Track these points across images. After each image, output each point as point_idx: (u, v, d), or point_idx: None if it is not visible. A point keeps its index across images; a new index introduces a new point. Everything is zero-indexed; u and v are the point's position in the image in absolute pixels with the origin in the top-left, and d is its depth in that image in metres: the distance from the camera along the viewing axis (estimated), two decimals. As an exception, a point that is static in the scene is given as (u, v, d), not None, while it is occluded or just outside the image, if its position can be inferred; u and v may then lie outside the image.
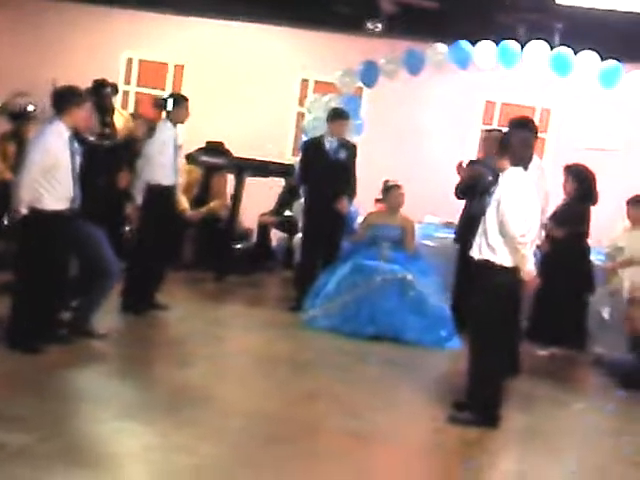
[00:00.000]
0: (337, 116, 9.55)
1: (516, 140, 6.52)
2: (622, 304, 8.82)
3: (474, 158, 10.31)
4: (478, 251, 6.45)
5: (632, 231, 9.14)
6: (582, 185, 8.73)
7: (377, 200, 10.28)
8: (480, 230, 6.48)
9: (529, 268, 6.39)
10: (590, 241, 8.96)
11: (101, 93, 8.96)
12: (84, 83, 7.96)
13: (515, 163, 6.40)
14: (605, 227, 9.26)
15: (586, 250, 8.96)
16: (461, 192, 9.18)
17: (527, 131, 7.08)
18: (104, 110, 8.66)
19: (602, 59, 9.76)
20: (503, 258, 6.34)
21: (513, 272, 6.36)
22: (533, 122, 8.18)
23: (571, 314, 8.77)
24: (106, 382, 6.65)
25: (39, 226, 6.80)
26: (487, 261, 6.37)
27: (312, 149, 9.66)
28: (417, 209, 10.06)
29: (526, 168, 6.45)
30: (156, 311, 8.62)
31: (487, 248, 6.37)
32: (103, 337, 7.47)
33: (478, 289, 6.49)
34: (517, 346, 7.86)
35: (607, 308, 9.02)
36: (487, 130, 10.37)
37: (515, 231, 6.23)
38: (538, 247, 8.08)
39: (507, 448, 6.45)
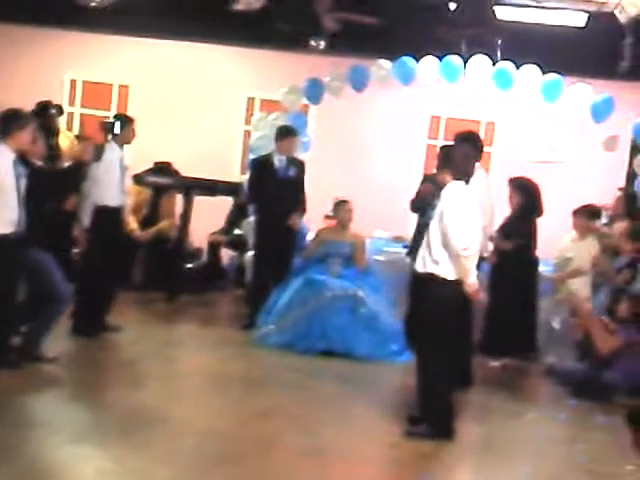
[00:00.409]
0: (285, 134, 9.58)
1: (458, 154, 6.59)
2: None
3: (429, 173, 10.32)
4: (422, 264, 6.50)
5: (579, 241, 9.26)
6: (527, 198, 8.84)
7: (327, 216, 10.31)
8: (424, 243, 6.53)
9: (472, 281, 6.44)
10: (538, 253, 9.06)
11: (46, 114, 8.87)
12: (28, 105, 7.90)
13: (457, 177, 6.47)
14: (552, 239, 9.36)
15: (534, 262, 9.06)
16: (414, 207, 9.22)
17: (469, 145, 7.14)
18: (49, 132, 8.57)
19: (544, 73, 9.89)
20: (446, 271, 6.38)
21: (456, 285, 6.41)
22: (478, 136, 8.28)
23: (521, 325, 8.86)
24: (58, 407, 6.57)
25: (-15, 250, 6.72)
26: (430, 274, 6.42)
27: (261, 167, 9.67)
28: (366, 224, 10.11)
29: (468, 182, 6.52)
30: (107, 333, 8.55)
31: (430, 261, 6.42)
32: (53, 361, 7.39)
33: (422, 302, 6.54)
34: (469, 358, 7.92)
35: (557, 318, 9.13)
36: (442, 146, 10.36)
37: (458, 244, 6.29)
38: (484, 259, 8.19)
39: (463, 460, 6.47)
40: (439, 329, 6.38)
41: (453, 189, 6.45)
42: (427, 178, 9.39)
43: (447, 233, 6.32)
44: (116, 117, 8.97)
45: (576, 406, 7.81)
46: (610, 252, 9.16)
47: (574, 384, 8.10)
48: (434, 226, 6.44)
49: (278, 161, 9.56)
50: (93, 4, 9.98)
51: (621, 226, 9.23)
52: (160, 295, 10.44)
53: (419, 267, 6.53)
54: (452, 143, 7.66)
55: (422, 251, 6.53)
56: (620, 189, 9.55)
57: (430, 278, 6.43)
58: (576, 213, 9.28)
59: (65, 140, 9.79)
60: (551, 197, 9.23)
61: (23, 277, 7.25)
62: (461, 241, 6.29)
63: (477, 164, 7.75)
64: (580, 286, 9.07)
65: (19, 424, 6.00)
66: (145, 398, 6.86)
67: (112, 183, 8.45)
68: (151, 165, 11.20)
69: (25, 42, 12.90)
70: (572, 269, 9.12)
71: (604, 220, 9.73)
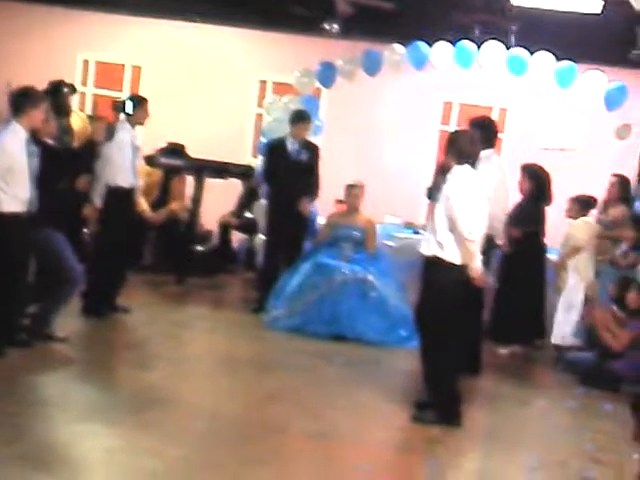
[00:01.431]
0: (299, 119, 9.57)
1: (462, 139, 6.57)
2: (569, 299, 8.97)
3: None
4: (427, 247, 6.50)
5: (572, 222, 9.28)
6: (538, 185, 8.83)
7: (338, 201, 10.32)
8: (429, 227, 6.54)
9: (477, 265, 6.42)
10: (546, 240, 9.07)
11: (59, 93, 8.89)
12: (40, 85, 7.87)
13: (461, 161, 6.45)
14: (561, 226, 9.35)
15: (542, 249, 9.06)
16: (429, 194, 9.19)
17: (478, 130, 7.11)
18: (62, 111, 8.59)
19: (557, 59, 9.86)
20: (451, 255, 6.38)
21: (461, 269, 6.40)
22: (492, 122, 8.25)
23: (529, 311, 8.87)
24: (68, 385, 6.61)
25: (-3, 228, 6.75)
26: (435, 257, 6.42)
27: (274, 150, 9.67)
28: (377, 209, 10.10)
29: (474, 165, 6.50)
30: (117, 314, 8.58)
31: (436, 245, 6.41)
32: (63, 340, 7.43)
33: (426, 285, 6.55)
34: (479, 345, 7.93)
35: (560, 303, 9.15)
36: (451, 132, 10.31)
37: (463, 228, 6.28)
38: (498, 246, 8.19)
39: (469, 446, 6.47)
40: (445, 313, 6.38)
41: (458, 173, 6.44)
42: (442, 165, 9.35)
43: (452, 217, 6.32)
44: (129, 97, 8.98)
45: (584, 394, 7.81)
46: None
47: (582, 372, 8.11)
48: (439, 210, 6.43)
49: (291, 144, 9.56)
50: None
51: (616, 211, 9.24)
52: (170, 277, 10.46)
53: (424, 250, 6.53)
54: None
55: (427, 234, 6.55)
56: (614, 175, 9.57)
57: (436, 262, 6.42)
58: (571, 200, 9.30)
59: (77, 120, 9.81)
60: (562, 184, 9.21)
61: (35, 257, 7.27)
62: (466, 225, 6.29)
63: (491, 150, 7.74)
64: (582, 269, 9.06)
65: (29, 402, 6.04)
66: (154, 379, 6.90)
67: (124, 163, 8.46)
68: (162, 146, 11.18)
69: (38, 22, 12.92)
70: (569, 248, 9.12)
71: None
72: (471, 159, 6.49)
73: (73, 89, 9.58)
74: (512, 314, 8.73)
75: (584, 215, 9.20)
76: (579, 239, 9.06)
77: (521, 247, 8.67)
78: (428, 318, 6.54)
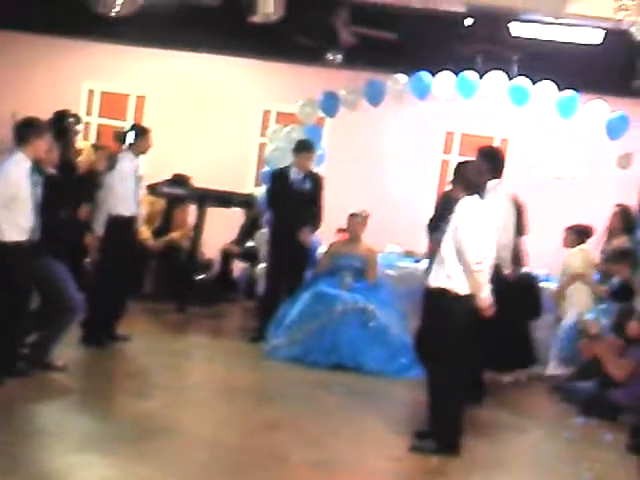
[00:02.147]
0: (302, 149, 9.62)
1: (469, 169, 6.59)
2: (567, 330, 8.95)
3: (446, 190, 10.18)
4: (435, 279, 6.50)
5: (569, 251, 9.34)
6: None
7: (339, 230, 10.33)
8: (437, 258, 6.53)
9: (485, 295, 6.43)
10: (545, 269, 9.11)
11: (63, 123, 8.93)
12: (45, 115, 7.92)
13: (469, 192, 6.47)
14: (561, 256, 9.38)
15: (531, 278, 9.08)
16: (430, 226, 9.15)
17: (484, 160, 7.14)
18: (67, 141, 8.63)
19: (559, 89, 9.89)
20: (459, 286, 6.38)
21: (469, 299, 6.40)
22: (499, 152, 8.24)
23: (514, 341, 8.85)
24: (65, 415, 6.59)
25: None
26: (443, 289, 6.41)
27: (278, 179, 9.71)
28: (379, 238, 10.10)
29: (482, 196, 6.52)
30: (117, 343, 8.57)
31: (444, 276, 6.41)
32: (62, 369, 7.41)
33: (434, 317, 6.54)
34: (480, 373, 7.90)
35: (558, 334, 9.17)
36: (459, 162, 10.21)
37: (472, 258, 6.29)
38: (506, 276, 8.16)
39: (468, 476, 6.42)
40: (452, 344, 6.37)
41: (467, 204, 6.46)
42: (444, 195, 9.31)
43: (461, 247, 6.32)
44: (131, 127, 9.03)
45: (583, 424, 7.77)
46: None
47: (582, 402, 8.07)
48: (448, 241, 6.43)
49: (295, 174, 9.61)
50: (112, 14, 10.03)
51: (619, 242, 9.28)
52: (171, 305, 10.46)
53: (432, 282, 6.53)
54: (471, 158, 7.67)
55: (435, 266, 6.53)
56: (618, 205, 9.61)
57: (443, 293, 6.42)
58: (568, 230, 9.35)
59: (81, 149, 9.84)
60: (564, 214, 9.24)
61: (36, 286, 7.28)
62: (475, 255, 6.29)
63: (497, 180, 7.71)
64: (580, 298, 9.08)
65: (26, 432, 6.03)
66: (153, 408, 6.87)
67: (126, 193, 8.50)
68: (167, 176, 11.23)
69: (43, 52, 13.00)
70: (565, 278, 9.17)
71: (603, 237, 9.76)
72: (479, 189, 6.51)
73: (78, 119, 9.62)
74: (501, 342, 8.69)
75: (580, 244, 9.26)
76: (576, 267, 9.09)
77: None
78: (436, 349, 6.53)
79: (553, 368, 9.05)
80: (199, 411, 7.16)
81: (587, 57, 10.49)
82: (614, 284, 8.94)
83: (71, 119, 9.19)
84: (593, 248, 9.59)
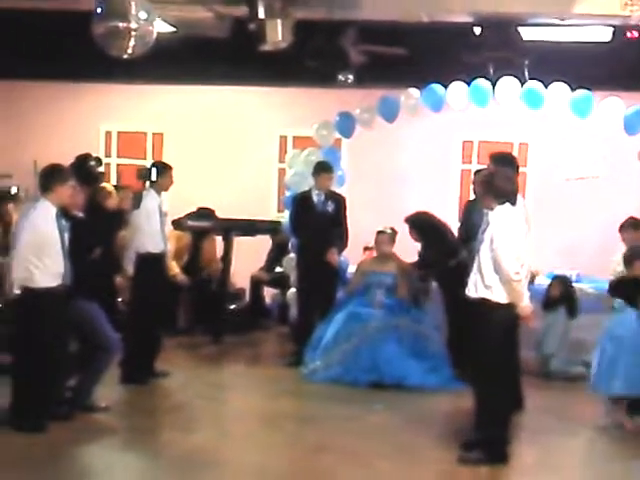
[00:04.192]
0: (321, 170, 9.69)
1: (498, 177, 6.60)
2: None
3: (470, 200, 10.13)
4: (474, 290, 6.49)
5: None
6: (428, 235, 8.93)
7: (366, 248, 10.35)
8: (474, 268, 6.52)
9: (525, 303, 6.43)
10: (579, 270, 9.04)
11: (86, 167, 9.04)
12: (66, 160, 8.02)
13: (501, 200, 6.47)
14: (594, 255, 9.33)
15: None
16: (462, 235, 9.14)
17: (508, 166, 7.16)
18: (90, 184, 8.72)
19: (572, 90, 9.89)
20: (499, 295, 6.37)
21: (509, 308, 6.40)
22: (514, 157, 8.27)
23: None
24: (112, 455, 6.63)
25: (33, 304, 6.83)
26: (484, 299, 6.41)
27: (301, 203, 9.77)
28: (402, 253, 10.08)
29: (513, 203, 6.52)
30: (156, 379, 8.61)
31: (483, 286, 6.40)
32: (105, 410, 7.46)
33: (477, 328, 6.53)
34: (519, 381, 7.86)
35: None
36: (477, 171, 10.20)
37: (509, 268, 6.28)
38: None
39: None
40: (496, 353, 6.38)
41: (500, 213, 6.46)
42: (468, 205, 9.30)
43: (497, 258, 6.32)
44: (153, 165, 9.10)
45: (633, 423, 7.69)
46: None
47: (628, 402, 7.98)
48: (484, 251, 6.43)
49: (317, 196, 9.67)
50: (125, 56, 10.14)
51: None
52: (206, 338, 10.51)
53: (471, 292, 6.52)
54: (488, 165, 7.68)
55: (473, 276, 6.53)
56: None
57: (483, 303, 6.42)
58: (622, 227, 9.17)
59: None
60: (589, 213, 9.19)
61: (72, 329, 7.33)
62: (512, 265, 6.29)
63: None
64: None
65: (75, 475, 6.07)
66: (198, 441, 6.90)
67: (153, 230, 8.57)
68: (191, 210, 11.31)
69: (57, 98, 13.14)
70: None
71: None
72: (510, 197, 6.51)
73: (99, 161, 9.76)
74: None
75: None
76: None
77: None
78: (479, 358, 6.53)
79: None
80: (245, 440, 7.18)
81: (597, 55, 10.46)
82: None
83: (93, 162, 9.34)
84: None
